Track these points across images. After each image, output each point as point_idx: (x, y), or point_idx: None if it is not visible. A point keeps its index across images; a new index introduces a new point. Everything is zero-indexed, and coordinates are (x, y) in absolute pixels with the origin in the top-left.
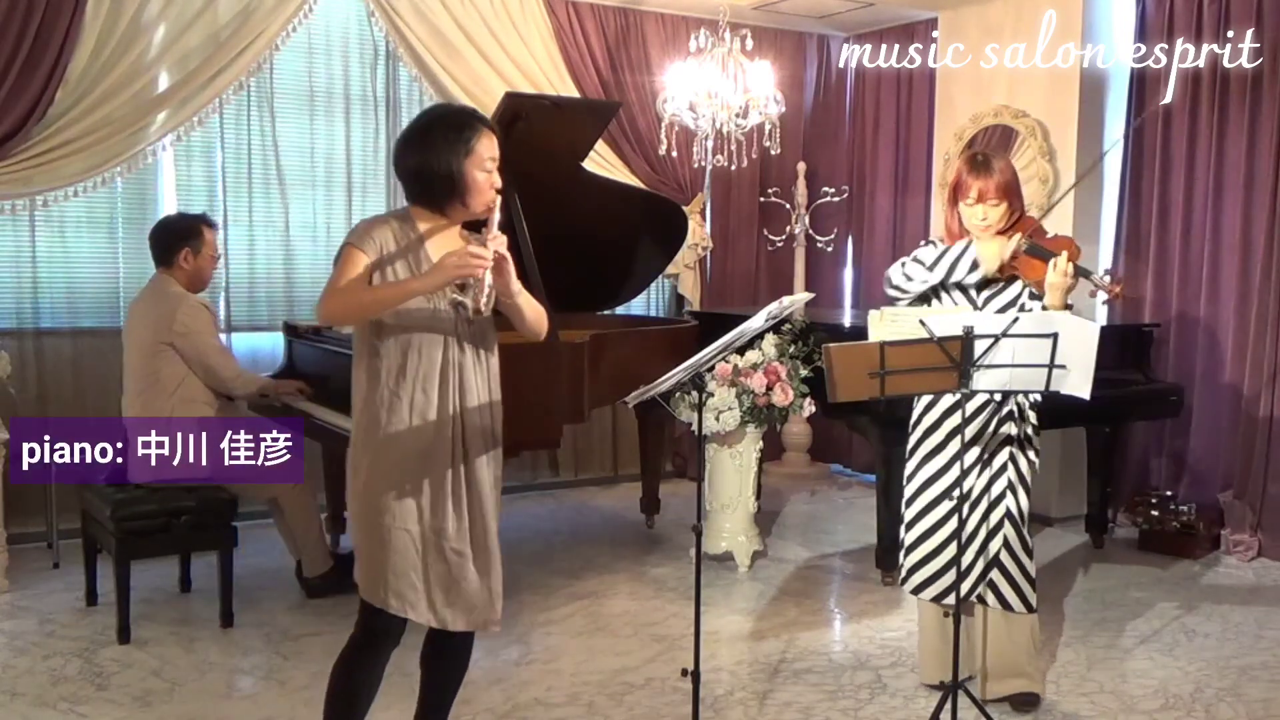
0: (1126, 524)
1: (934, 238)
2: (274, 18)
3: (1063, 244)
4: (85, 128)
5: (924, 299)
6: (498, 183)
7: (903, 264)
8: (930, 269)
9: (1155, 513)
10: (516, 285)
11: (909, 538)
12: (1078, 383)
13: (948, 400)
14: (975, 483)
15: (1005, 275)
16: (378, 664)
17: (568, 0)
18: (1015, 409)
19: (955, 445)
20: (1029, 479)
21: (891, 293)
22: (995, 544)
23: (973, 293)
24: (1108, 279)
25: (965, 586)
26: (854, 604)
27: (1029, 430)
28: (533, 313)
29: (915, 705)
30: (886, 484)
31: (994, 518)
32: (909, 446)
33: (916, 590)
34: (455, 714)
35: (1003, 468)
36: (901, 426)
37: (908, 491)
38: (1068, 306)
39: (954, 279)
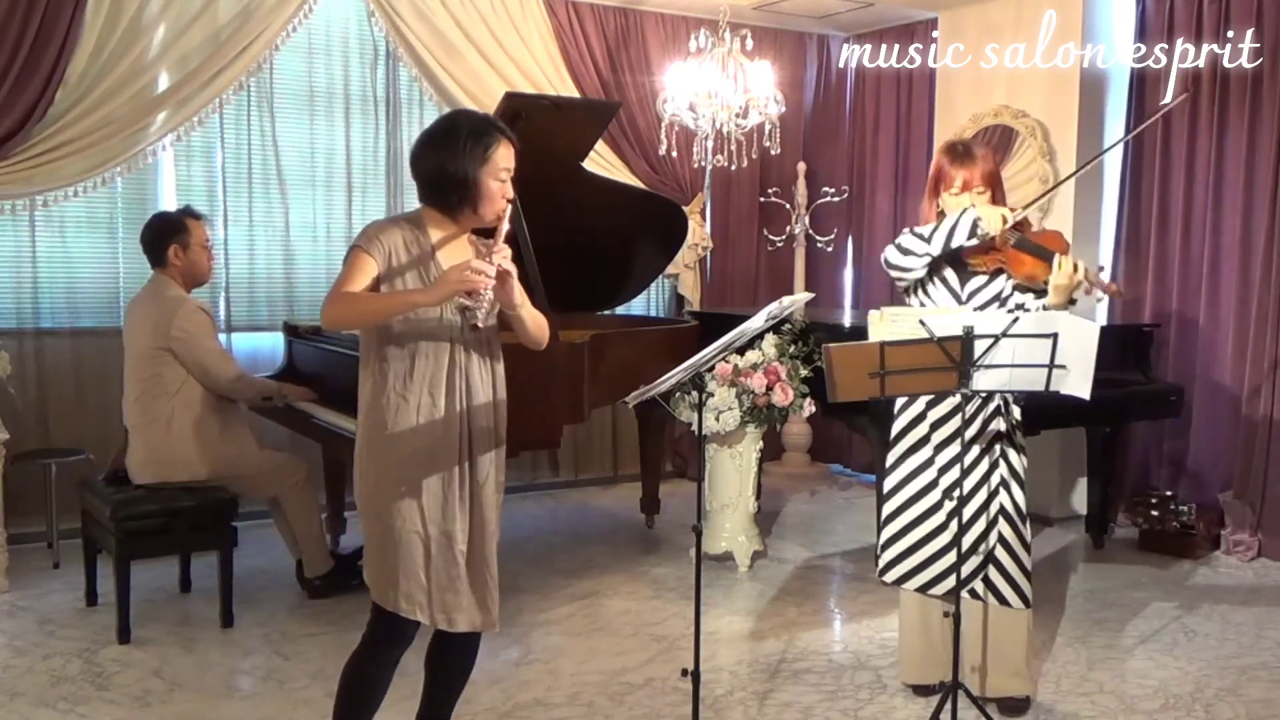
0: (1126, 524)
1: (918, 230)
2: (274, 18)
3: (1053, 240)
4: (85, 128)
5: (917, 286)
6: (509, 193)
7: (898, 242)
8: (928, 240)
9: (1155, 513)
10: (520, 297)
11: (888, 531)
12: (1078, 383)
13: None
14: (967, 479)
15: (990, 269)
16: (388, 666)
17: (568, 0)
18: (1001, 404)
19: (939, 439)
20: (1021, 473)
21: (892, 274)
22: (991, 539)
23: (956, 285)
24: (1105, 278)
25: (954, 582)
26: (854, 604)
27: (1013, 422)
28: (535, 324)
29: (915, 705)
30: None
31: (989, 513)
32: (891, 437)
33: (900, 581)
34: (455, 713)
35: (994, 464)
36: None
37: (887, 485)
38: (1071, 302)
39: (954, 244)
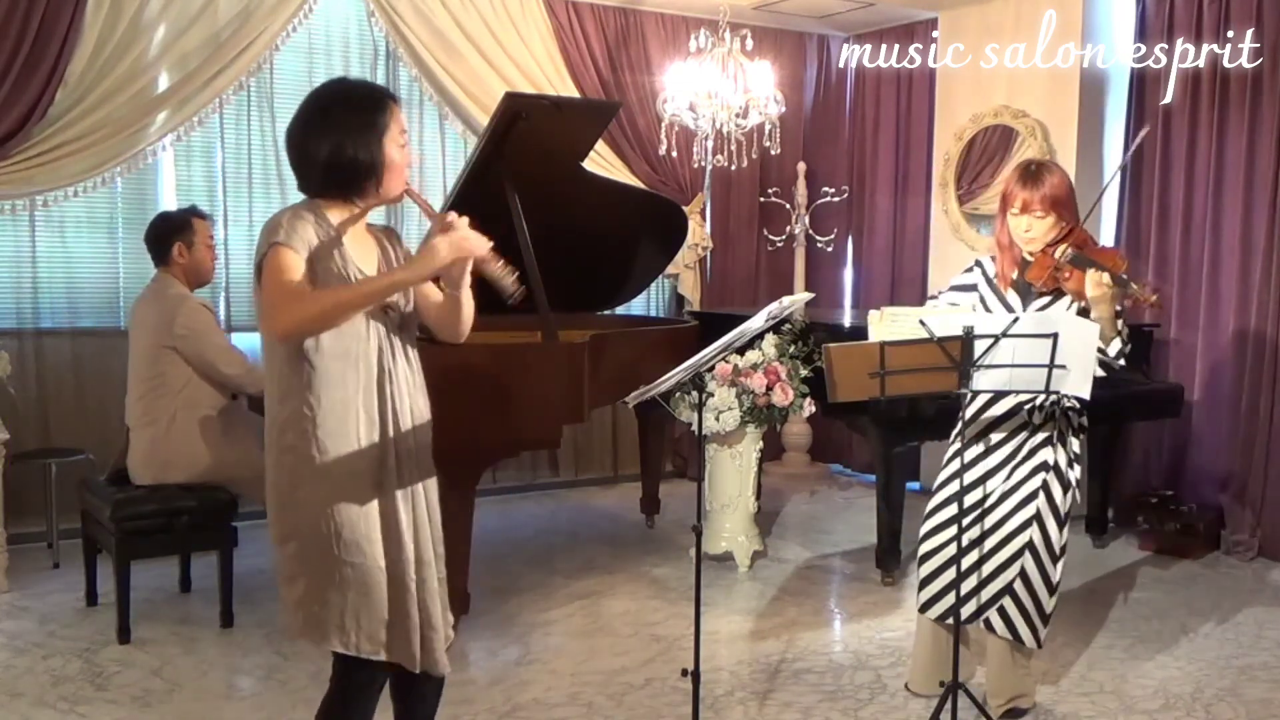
0: (1126, 524)
1: (981, 258)
2: (274, 18)
3: (1108, 255)
4: (85, 128)
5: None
6: (410, 159)
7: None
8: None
9: (1155, 513)
10: (468, 277)
11: (920, 552)
12: (1077, 383)
13: (988, 417)
14: (999, 507)
15: (1051, 289)
16: (367, 713)
17: (568, 0)
18: (1057, 433)
19: (982, 465)
20: (1063, 510)
21: None
22: (1010, 573)
23: (1019, 309)
24: (1145, 290)
25: (971, 608)
26: (854, 604)
27: (1070, 456)
28: (469, 310)
29: (915, 705)
30: (886, 484)
31: (1013, 545)
32: (945, 458)
33: (922, 609)
34: (455, 714)
35: (1032, 495)
36: (901, 427)
37: (929, 506)
38: (1118, 315)
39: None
